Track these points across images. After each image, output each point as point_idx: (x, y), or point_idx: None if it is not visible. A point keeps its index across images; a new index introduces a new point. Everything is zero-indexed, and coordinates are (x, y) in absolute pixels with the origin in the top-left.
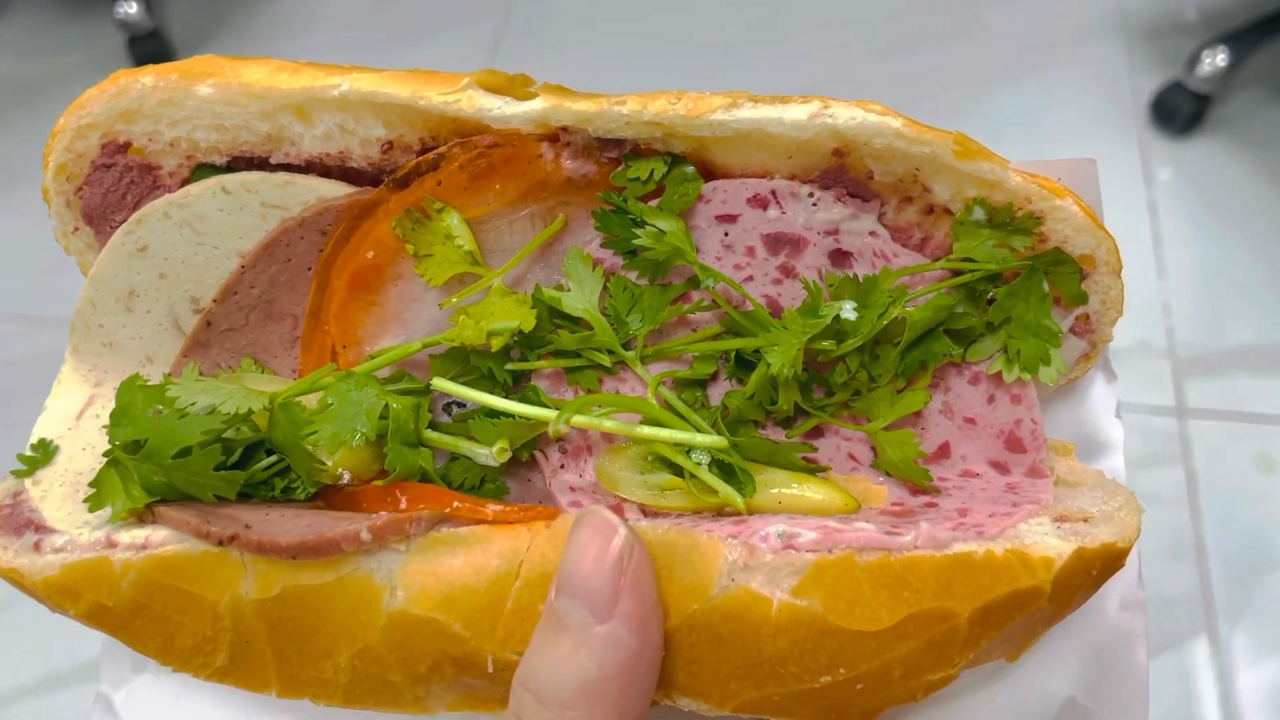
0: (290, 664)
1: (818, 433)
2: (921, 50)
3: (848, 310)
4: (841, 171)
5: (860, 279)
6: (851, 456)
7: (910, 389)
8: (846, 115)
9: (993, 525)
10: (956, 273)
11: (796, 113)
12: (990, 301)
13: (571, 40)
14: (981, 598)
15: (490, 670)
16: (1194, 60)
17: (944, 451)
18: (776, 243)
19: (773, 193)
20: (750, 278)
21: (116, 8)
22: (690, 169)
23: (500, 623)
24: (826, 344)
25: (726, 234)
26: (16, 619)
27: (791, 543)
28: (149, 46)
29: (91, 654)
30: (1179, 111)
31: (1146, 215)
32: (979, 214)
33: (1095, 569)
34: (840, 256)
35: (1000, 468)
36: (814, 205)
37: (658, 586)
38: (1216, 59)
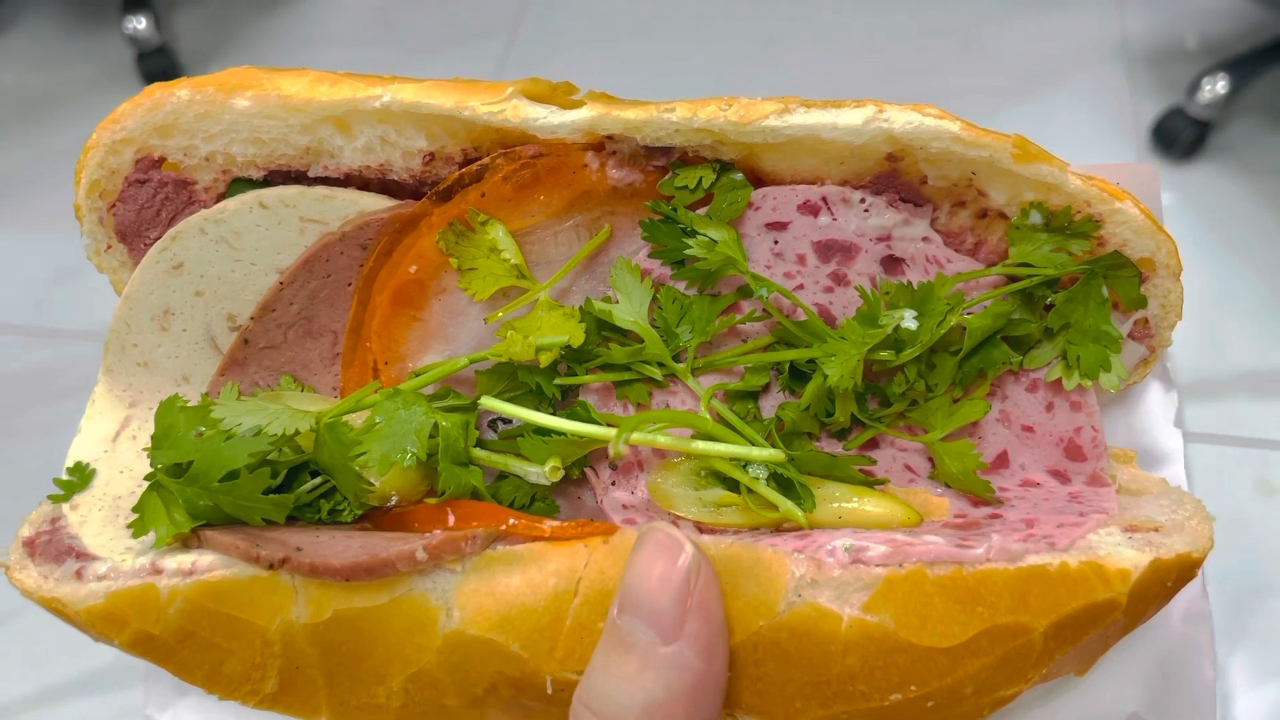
0: (342, 689)
1: (873, 444)
2: (928, 72)
3: (908, 319)
4: (894, 176)
5: (915, 286)
6: (909, 468)
7: (968, 398)
8: (903, 119)
9: (1062, 536)
10: (1013, 278)
11: (851, 117)
12: (1048, 307)
13: (579, 56)
14: (1057, 611)
15: (549, 691)
16: (1195, 87)
17: (1002, 461)
18: (828, 250)
19: (823, 199)
20: (801, 286)
21: (125, 23)
22: (739, 176)
23: (559, 642)
24: (885, 354)
25: (776, 242)
26: (18, 630)
27: (860, 557)
28: (157, 62)
29: (94, 666)
30: (1179, 137)
31: None
32: (1036, 218)
33: (1170, 580)
34: (892, 263)
35: (1061, 476)
36: (866, 211)
37: (723, 603)
38: (1217, 86)
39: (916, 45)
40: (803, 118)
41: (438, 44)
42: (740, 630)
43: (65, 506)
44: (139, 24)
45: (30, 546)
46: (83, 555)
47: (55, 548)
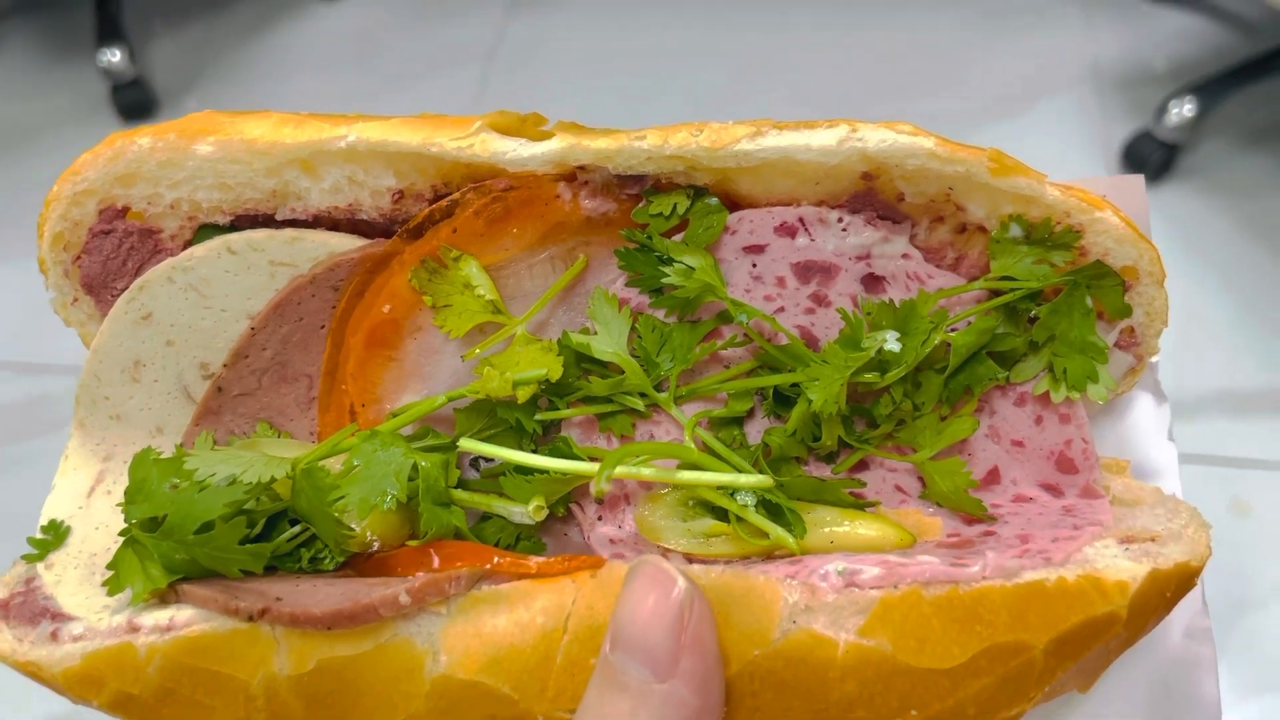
0: None
1: (863, 466)
2: (904, 97)
3: (891, 341)
4: (870, 195)
5: (897, 304)
6: (899, 489)
7: (955, 416)
8: (877, 138)
9: (1058, 551)
10: (996, 293)
11: (824, 138)
12: (1032, 320)
13: (557, 83)
14: (1057, 627)
15: None
16: (1162, 110)
17: (993, 477)
18: (807, 271)
19: (800, 220)
20: (781, 309)
21: (99, 56)
22: (714, 201)
23: (550, 681)
24: (870, 376)
25: (755, 265)
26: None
27: (854, 580)
28: (132, 94)
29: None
30: (1149, 160)
31: None
32: (1016, 231)
33: (1169, 590)
34: (873, 281)
35: (1053, 490)
36: (844, 230)
37: (718, 636)
38: (1184, 109)
39: (888, 70)
40: (775, 140)
41: (415, 72)
42: (735, 660)
43: (40, 566)
44: (113, 56)
45: (4, 609)
46: (58, 616)
47: (30, 609)
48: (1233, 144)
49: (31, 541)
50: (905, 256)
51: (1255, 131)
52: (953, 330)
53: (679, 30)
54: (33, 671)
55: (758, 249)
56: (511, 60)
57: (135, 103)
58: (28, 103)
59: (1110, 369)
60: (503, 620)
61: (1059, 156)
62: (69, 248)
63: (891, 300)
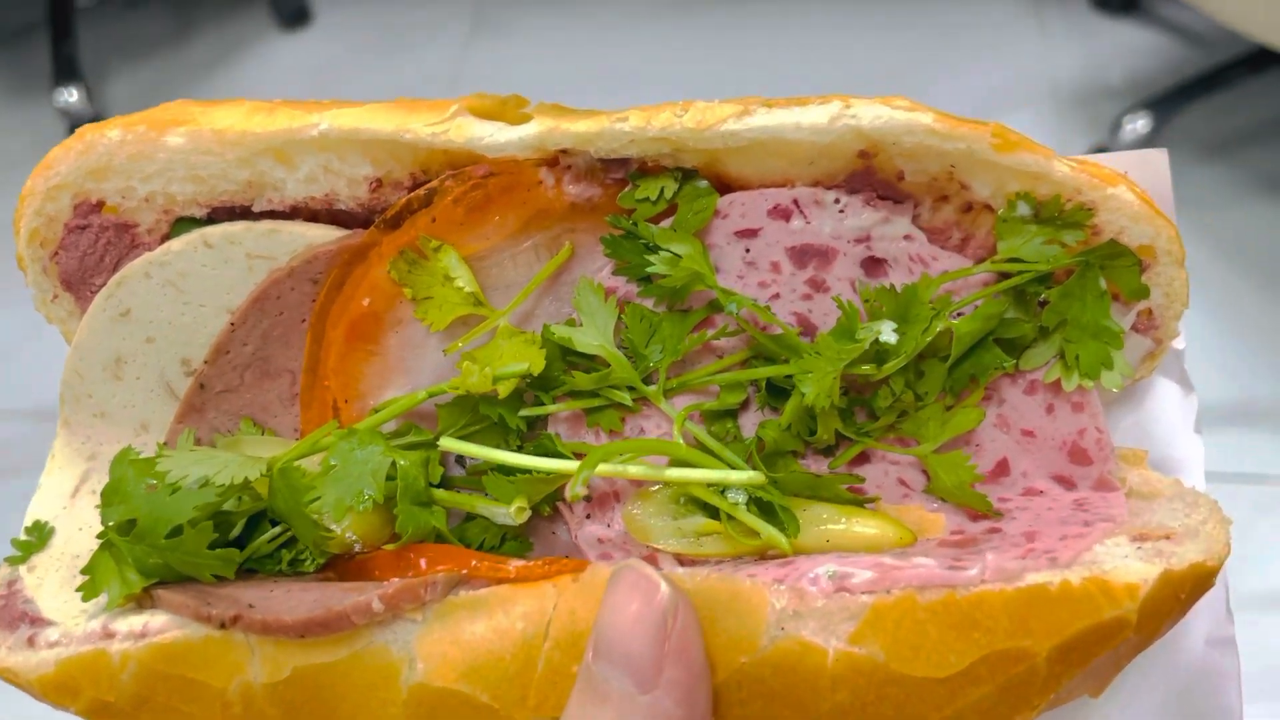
0: None
1: (864, 459)
2: None
3: (887, 332)
4: (869, 174)
5: (898, 289)
6: (902, 482)
7: (961, 406)
8: (871, 114)
9: (1065, 550)
10: (1003, 275)
11: (815, 115)
12: (1042, 304)
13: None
14: (1060, 634)
15: None
16: (1117, 126)
17: (1002, 469)
18: (803, 255)
19: (795, 202)
20: (777, 295)
21: (56, 95)
22: (704, 183)
23: (531, 689)
24: (866, 368)
25: (748, 250)
26: None
27: (844, 584)
28: None
29: None
30: None
31: None
32: (1024, 209)
33: (1184, 593)
34: (874, 265)
35: (1065, 482)
36: (841, 212)
37: (704, 644)
38: (1138, 124)
39: (849, 91)
40: (764, 119)
41: (380, 96)
42: (722, 668)
43: (23, 568)
44: (70, 96)
45: None
46: (37, 620)
47: (9, 614)
48: (1188, 158)
49: (15, 544)
50: (907, 238)
51: (1210, 145)
52: (957, 316)
53: (637, 54)
54: (10, 678)
55: (750, 233)
56: (474, 88)
57: None
58: None
59: (1127, 354)
60: (481, 626)
61: None
62: (45, 244)
63: (892, 285)
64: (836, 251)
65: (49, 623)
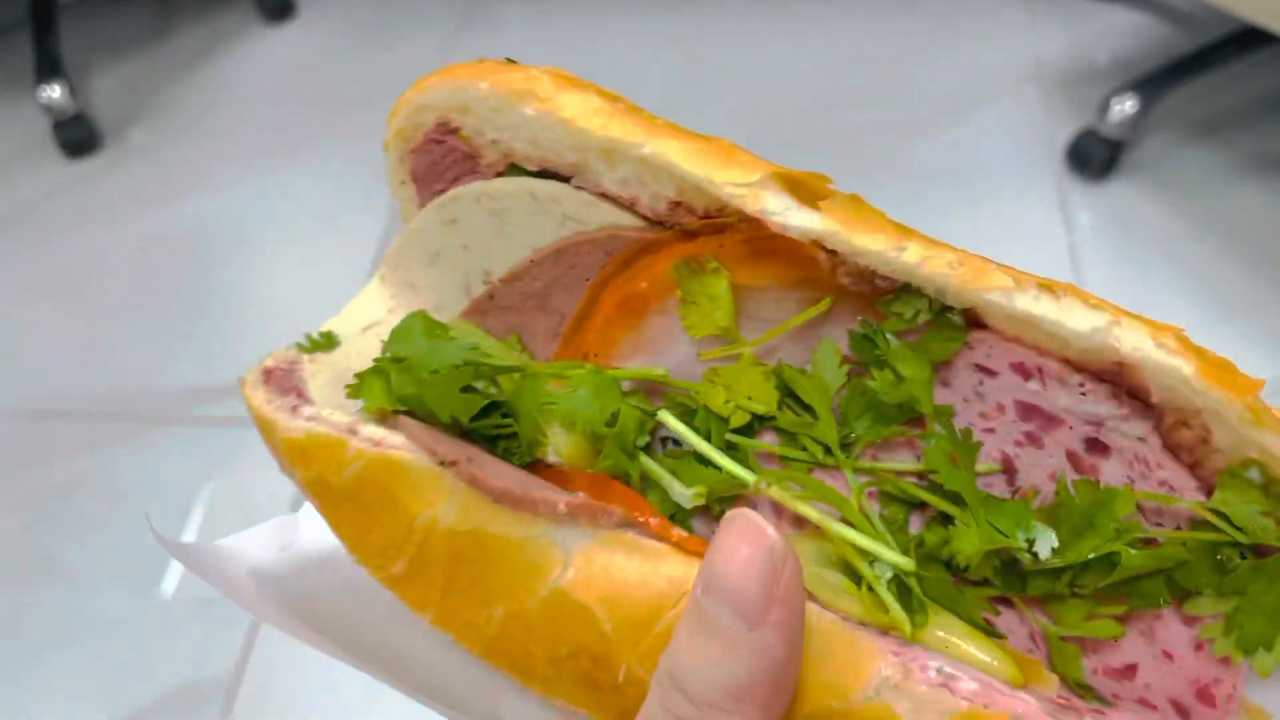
0: (453, 598)
1: (1005, 600)
2: (847, 107)
3: (1044, 548)
4: (1119, 377)
5: (1099, 487)
6: (1033, 638)
7: (1106, 613)
8: (1133, 343)
9: None
10: (1204, 523)
11: (1080, 321)
12: (1229, 570)
13: None
14: None
15: (620, 679)
16: (1104, 107)
17: (1129, 672)
18: (1029, 412)
19: (1039, 370)
20: (992, 430)
21: (39, 92)
22: (958, 320)
23: (645, 640)
24: (1022, 555)
25: (981, 383)
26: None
27: (949, 684)
28: (75, 130)
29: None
30: (1093, 158)
31: (1068, 259)
32: (1254, 475)
33: None
34: (1095, 446)
35: (1181, 711)
36: (1082, 395)
37: (805, 602)
38: (1125, 105)
39: (836, 79)
40: (1029, 304)
41: (360, 100)
42: (811, 701)
43: (305, 358)
44: (53, 93)
45: (268, 375)
46: (303, 396)
47: (285, 383)
48: (1176, 139)
49: (309, 337)
50: (1141, 439)
51: (1198, 125)
52: (1140, 542)
53: (622, 46)
54: (266, 429)
55: (988, 372)
56: None
57: (78, 138)
58: None
59: None
60: (633, 568)
61: (1007, 160)
62: (407, 141)
63: (1095, 481)
64: (1064, 422)
65: (311, 402)
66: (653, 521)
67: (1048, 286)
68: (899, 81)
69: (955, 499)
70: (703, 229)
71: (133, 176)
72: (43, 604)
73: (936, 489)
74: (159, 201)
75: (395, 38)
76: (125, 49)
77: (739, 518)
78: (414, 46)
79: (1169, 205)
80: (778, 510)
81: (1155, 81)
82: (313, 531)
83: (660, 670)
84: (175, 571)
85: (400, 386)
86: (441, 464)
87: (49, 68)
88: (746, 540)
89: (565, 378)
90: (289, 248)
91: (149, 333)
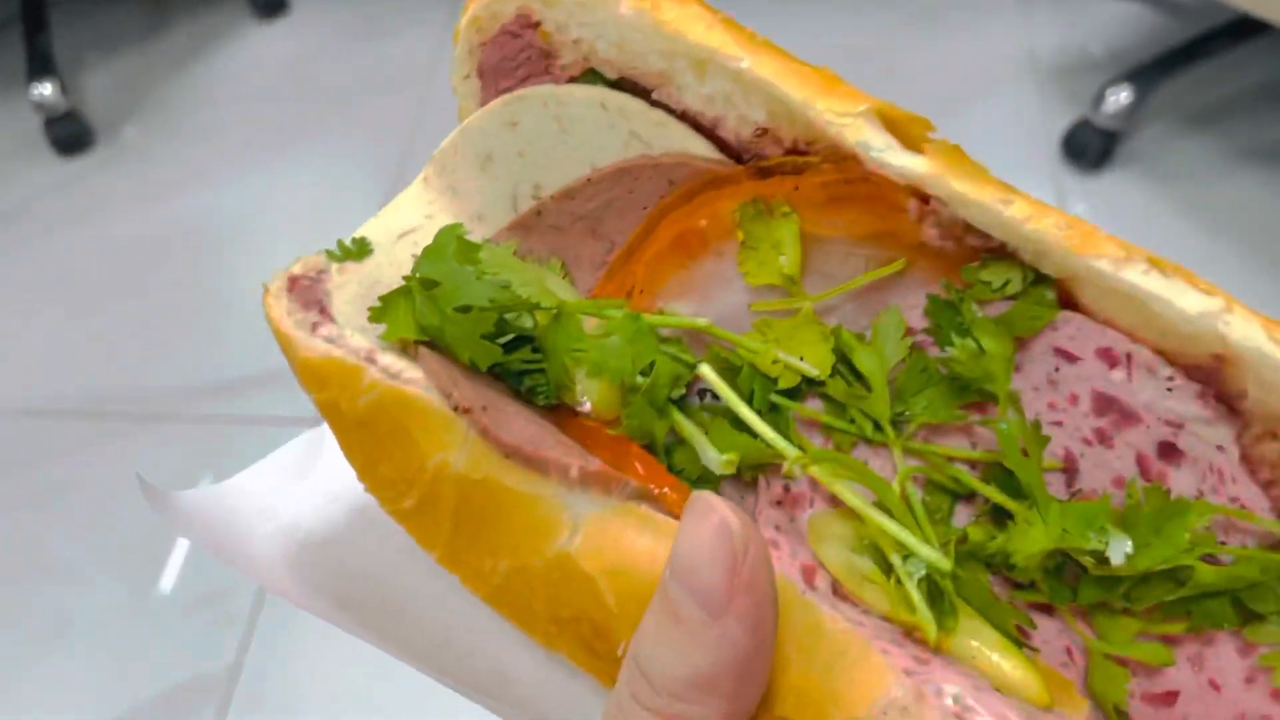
0: (460, 542)
1: (1045, 609)
2: None
3: (1117, 554)
4: (1213, 374)
5: (1171, 496)
6: (1069, 651)
7: (1158, 635)
8: (1243, 333)
9: None
10: (1278, 543)
11: (1189, 302)
12: None
13: None
14: None
15: (619, 653)
16: (1099, 98)
17: (1169, 699)
18: (1106, 405)
19: (1128, 356)
20: (1060, 423)
21: (31, 90)
22: (1050, 294)
23: None
24: (1086, 560)
25: (1057, 369)
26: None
27: (963, 714)
28: (67, 127)
29: None
30: (1088, 148)
31: None
32: None
33: None
34: (1170, 450)
35: None
36: (1169, 390)
37: (775, 588)
38: (1120, 96)
39: (836, 71)
40: (1138, 278)
41: (352, 96)
42: (813, 707)
43: (334, 267)
44: (45, 90)
45: (292, 283)
46: (325, 313)
47: (309, 295)
48: (1172, 129)
49: (340, 244)
50: (1220, 449)
51: (1193, 116)
52: (1209, 558)
53: None
54: (284, 344)
55: (1069, 357)
56: (449, 86)
57: (70, 136)
58: None
59: None
60: (643, 543)
61: (1003, 151)
62: (481, 32)
63: (1168, 489)
64: (1142, 421)
65: (332, 320)
66: (669, 495)
67: (1158, 263)
68: (893, 73)
69: (1018, 493)
70: (779, 167)
71: (125, 174)
72: (39, 602)
73: (992, 480)
74: (152, 199)
75: (388, 34)
76: (117, 46)
77: (699, 501)
78: (406, 43)
79: (1164, 195)
80: (814, 485)
81: (1150, 72)
82: (333, 459)
83: (630, 652)
84: (172, 569)
85: (424, 315)
86: (455, 409)
87: (41, 65)
88: (707, 526)
89: (603, 317)
90: (283, 244)
91: (142, 331)
